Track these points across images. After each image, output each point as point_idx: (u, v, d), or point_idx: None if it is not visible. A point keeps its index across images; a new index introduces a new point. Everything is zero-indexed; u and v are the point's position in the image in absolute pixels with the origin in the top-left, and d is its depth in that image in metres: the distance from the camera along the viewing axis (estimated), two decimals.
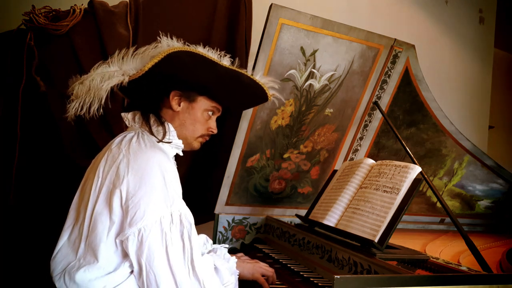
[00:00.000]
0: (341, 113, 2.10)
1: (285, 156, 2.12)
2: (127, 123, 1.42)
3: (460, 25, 3.42)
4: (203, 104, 1.45)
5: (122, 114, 1.44)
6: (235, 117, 1.96)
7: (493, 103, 3.73)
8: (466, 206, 2.62)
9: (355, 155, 2.27)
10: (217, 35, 2.18)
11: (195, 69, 1.37)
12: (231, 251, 2.00)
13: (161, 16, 2.10)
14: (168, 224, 1.18)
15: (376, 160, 1.79)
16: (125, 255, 1.20)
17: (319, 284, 1.51)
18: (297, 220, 1.99)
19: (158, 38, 1.37)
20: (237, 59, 1.51)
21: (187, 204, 1.30)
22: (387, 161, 1.70)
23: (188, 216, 1.26)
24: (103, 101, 1.26)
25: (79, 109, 1.27)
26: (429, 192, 2.47)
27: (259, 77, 1.52)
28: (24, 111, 1.95)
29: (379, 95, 2.12)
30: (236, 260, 1.48)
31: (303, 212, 1.96)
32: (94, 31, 2.00)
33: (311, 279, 1.56)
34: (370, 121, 2.19)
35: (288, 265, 1.74)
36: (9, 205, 1.94)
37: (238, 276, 1.45)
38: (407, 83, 2.12)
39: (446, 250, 1.95)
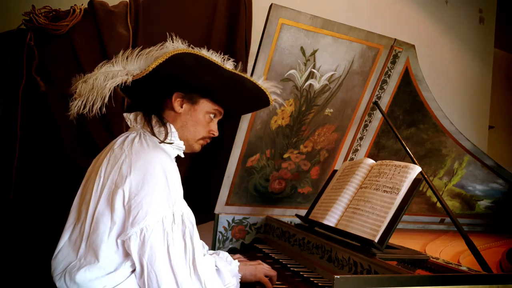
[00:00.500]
0: (341, 113, 2.10)
1: (285, 156, 2.12)
2: (129, 123, 1.43)
3: (460, 25, 3.42)
4: (205, 106, 1.46)
5: (124, 114, 1.44)
6: (235, 117, 1.96)
7: (493, 103, 3.73)
8: (466, 206, 2.62)
9: (355, 155, 2.27)
10: (217, 35, 2.18)
11: (198, 72, 1.37)
12: (231, 251, 2.00)
13: (161, 16, 2.10)
14: (170, 224, 1.19)
15: (376, 160, 1.79)
16: (126, 255, 1.20)
17: (319, 284, 1.51)
18: (297, 220, 1.99)
19: (164, 39, 1.37)
20: (240, 63, 1.52)
21: (187, 204, 1.30)
22: (387, 161, 1.70)
23: (190, 216, 1.26)
24: (106, 99, 1.26)
25: (82, 107, 1.27)
26: (429, 192, 2.47)
27: (262, 81, 1.52)
28: (24, 111, 1.95)
29: (379, 95, 2.12)
30: (238, 263, 1.48)
31: (303, 212, 1.96)
32: (94, 31, 2.00)
33: (311, 279, 1.56)
34: (370, 121, 2.19)
35: (288, 265, 1.74)
36: (9, 205, 1.94)
37: (240, 279, 1.45)
38: (407, 83, 2.12)
39: (446, 250, 1.95)
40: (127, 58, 1.34)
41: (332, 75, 1.95)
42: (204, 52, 1.36)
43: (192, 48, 1.36)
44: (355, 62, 1.96)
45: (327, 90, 1.99)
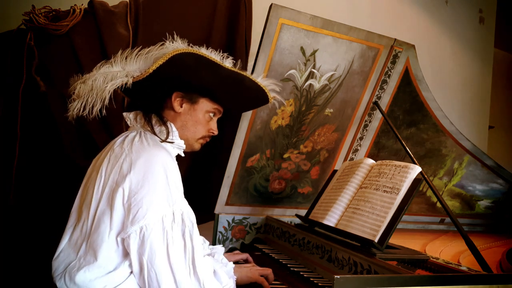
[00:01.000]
0: (341, 113, 2.10)
1: (285, 156, 2.12)
2: (128, 123, 1.42)
3: (460, 25, 3.42)
4: (205, 105, 1.46)
5: (124, 113, 1.44)
6: (235, 117, 1.96)
7: (493, 103, 3.73)
8: (466, 206, 2.62)
9: (355, 155, 2.27)
10: (217, 35, 2.18)
11: (198, 71, 1.37)
12: (231, 251, 2.00)
13: (161, 16, 2.10)
14: (170, 223, 1.18)
15: (376, 160, 1.79)
16: (126, 254, 1.20)
17: (319, 284, 1.51)
18: (297, 220, 1.99)
19: (163, 39, 1.36)
20: (239, 61, 1.52)
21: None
22: (387, 161, 1.70)
23: (190, 215, 1.26)
24: (106, 102, 1.26)
25: (81, 109, 1.26)
26: (429, 192, 2.47)
27: (261, 79, 1.52)
28: (24, 111, 1.95)
29: (379, 95, 2.12)
30: (233, 265, 1.49)
31: (303, 212, 1.96)
32: (94, 31, 2.00)
33: (311, 279, 1.56)
34: (370, 121, 2.19)
35: (288, 265, 1.74)
36: (9, 205, 1.94)
37: (236, 281, 1.45)
38: (407, 83, 2.12)
39: (446, 250, 1.95)
40: (126, 58, 1.34)
41: (332, 75, 1.95)
42: (203, 51, 1.36)
43: (192, 47, 1.36)
44: (355, 62, 1.96)
45: (327, 90, 1.99)
